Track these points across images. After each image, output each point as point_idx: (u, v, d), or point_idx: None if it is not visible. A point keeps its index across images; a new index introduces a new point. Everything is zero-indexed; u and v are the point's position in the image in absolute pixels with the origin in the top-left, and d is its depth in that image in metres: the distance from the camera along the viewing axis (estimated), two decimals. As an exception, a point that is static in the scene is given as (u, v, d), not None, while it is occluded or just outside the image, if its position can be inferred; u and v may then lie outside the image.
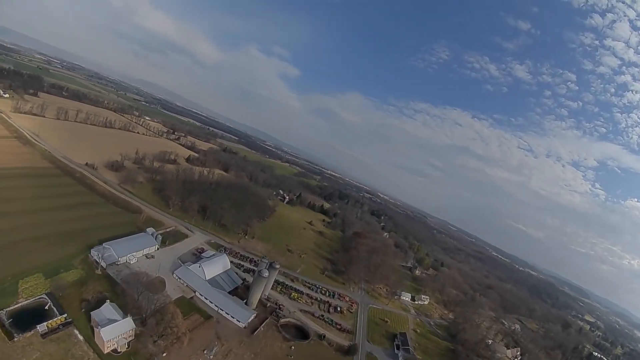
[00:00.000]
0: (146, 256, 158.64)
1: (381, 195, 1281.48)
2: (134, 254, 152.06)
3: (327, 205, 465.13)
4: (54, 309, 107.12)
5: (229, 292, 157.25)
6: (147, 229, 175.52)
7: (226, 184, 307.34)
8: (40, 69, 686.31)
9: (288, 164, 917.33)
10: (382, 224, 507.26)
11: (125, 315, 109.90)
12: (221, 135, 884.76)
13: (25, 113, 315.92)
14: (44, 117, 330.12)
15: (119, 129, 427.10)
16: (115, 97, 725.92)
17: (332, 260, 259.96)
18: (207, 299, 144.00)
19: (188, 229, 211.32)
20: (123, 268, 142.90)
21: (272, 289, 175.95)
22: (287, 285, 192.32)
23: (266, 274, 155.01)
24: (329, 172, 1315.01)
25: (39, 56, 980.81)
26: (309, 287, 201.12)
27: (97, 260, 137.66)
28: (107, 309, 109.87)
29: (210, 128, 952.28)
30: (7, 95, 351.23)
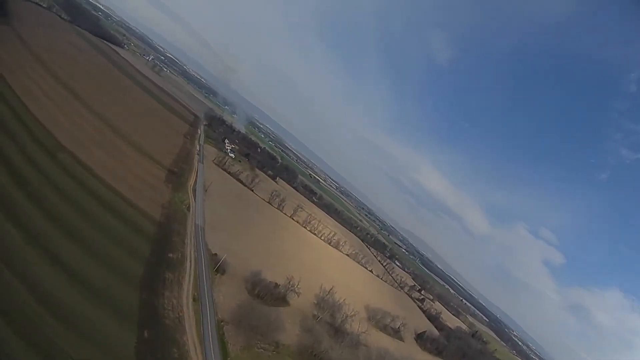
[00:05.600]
0: None
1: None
2: None
3: None
4: None
5: None
6: None
7: None
8: (310, 176, 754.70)
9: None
10: None
11: None
12: (472, 312, 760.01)
13: (226, 170, 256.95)
14: (250, 189, 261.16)
15: (346, 254, 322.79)
16: (375, 232, 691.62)
17: None
18: None
19: None
20: None
21: None
22: None
23: None
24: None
25: (332, 182, 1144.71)
26: None
27: None
28: None
29: (463, 300, 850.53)
30: (232, 155, 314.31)
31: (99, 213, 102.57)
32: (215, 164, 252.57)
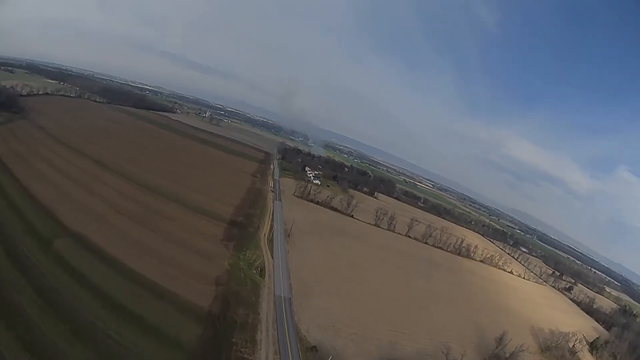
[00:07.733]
0: None
1: None
2: None
3: None
4: None
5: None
6: None
7: None
8: (406, 182, 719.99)
9: None
10: None
11: None
12: (607, 281, 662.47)
13: (312, 201, 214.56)
14: (350, 216, 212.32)
15: (480, 260, 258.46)
16: (486, 221, 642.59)
17: None
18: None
19: None
20: None
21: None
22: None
23: None
24: None
25: (427, 182, 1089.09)
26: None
27: None
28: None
29: (592, 269, 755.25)
30: (317, 182, 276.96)
31: (96, 317, 63.33)
32: (297, 196, 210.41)
